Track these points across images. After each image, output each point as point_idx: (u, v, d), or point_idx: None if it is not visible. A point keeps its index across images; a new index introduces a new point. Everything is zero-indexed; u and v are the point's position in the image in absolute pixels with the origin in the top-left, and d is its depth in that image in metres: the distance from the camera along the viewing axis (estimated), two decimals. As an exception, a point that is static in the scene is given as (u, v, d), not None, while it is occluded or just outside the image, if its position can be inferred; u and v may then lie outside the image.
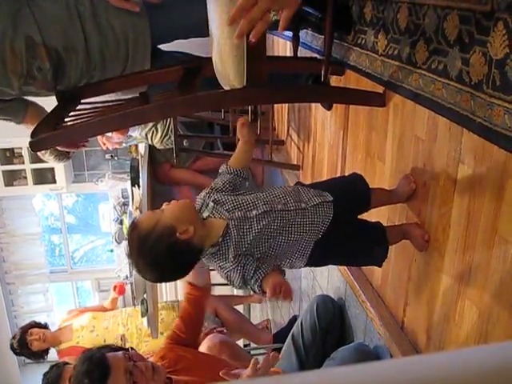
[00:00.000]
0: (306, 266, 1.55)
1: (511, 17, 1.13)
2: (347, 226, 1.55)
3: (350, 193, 1.62)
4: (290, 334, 2.39)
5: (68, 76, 1.95)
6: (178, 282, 5.24)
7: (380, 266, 1.66)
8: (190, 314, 1.92)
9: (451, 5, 1.35)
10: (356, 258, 1.66)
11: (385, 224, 1.68)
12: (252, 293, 4.44)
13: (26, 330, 3.82)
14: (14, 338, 3.81)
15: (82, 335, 3.87)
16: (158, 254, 1.33)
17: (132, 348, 1.79)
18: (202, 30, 1.81)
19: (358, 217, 1.65)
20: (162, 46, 2.22)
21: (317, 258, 1.53)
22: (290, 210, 1.46)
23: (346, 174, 1.81)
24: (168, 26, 2.09)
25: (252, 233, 1.40)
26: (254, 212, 1.42)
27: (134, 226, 1.37)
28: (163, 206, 1.40)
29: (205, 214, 1.44)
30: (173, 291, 5.25)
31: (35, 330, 3.82)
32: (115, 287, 4.41)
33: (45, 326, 3.95)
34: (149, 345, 3.83)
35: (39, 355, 3.87)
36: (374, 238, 1.61)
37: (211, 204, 1.44)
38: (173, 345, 1.91)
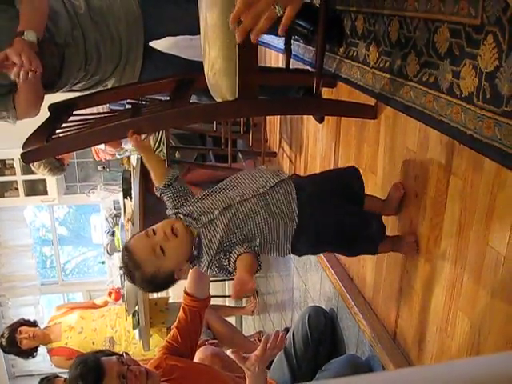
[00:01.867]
0: (294, 253, 1.55)
1: (501, 30, 1.15)
2: (331, 207, 1.54)
3: (341, 180, 1.64)
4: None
5: (67, 71, 1.95)
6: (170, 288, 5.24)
7: (375, 252, 1.64)
8: (187, 324, 1.90)
9: (441, 18, 1.36)
10: (347, 238, 1.58)
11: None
12: (244, 304, 4.43)
13: (15, 328, 3.76)
14: (2, 336, 3.74)
15: (70, 336, 3.83)
16: (156, 286, 1.52)
17: (126, 353, 1.79)
18: (194, 29, 1.83)
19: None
20: (155, 45, 2.22)
21: (303, 241, 1.51)
22: (248, 198, 1.46)
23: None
24: (161, 22, 2.11)
25: (218, 232, 1.42)
26: (216, 212, 1.44)
27: (136, 264, 1.43)
28: (158, 231, 1.43)
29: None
30: (164, 294, 5.23)
31: (24, 328, 3.76)
32: (110, 293, 4.34)
33: (34, 324, 3.89)
34: (137, 347, 3.80)
35: (28, 353, 3.82)
36: (368, 221, 1.58)
37: (182, 217, 1.48)
38: (167, 355, 1.90)
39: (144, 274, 1.42)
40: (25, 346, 3.73)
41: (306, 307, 2.54)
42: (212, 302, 4.38)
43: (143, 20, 2.05)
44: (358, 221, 1.57)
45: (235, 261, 1.38)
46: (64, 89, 2.07)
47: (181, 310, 1.91)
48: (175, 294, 5.05)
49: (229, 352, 1.57)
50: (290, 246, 1.50)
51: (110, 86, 2.15)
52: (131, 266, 1.43)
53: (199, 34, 1.78)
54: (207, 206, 1.47)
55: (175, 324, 1.92)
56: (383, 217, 1.66)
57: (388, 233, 1.74)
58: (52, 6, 1.88)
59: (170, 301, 4.21)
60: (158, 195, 1.57)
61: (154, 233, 1.43)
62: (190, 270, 1.87)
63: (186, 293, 1.87)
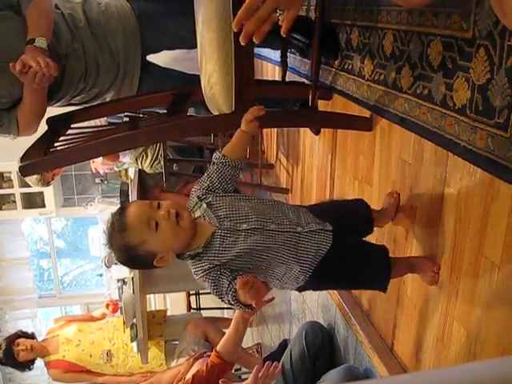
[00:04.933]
0: (299, 290, 1.49)
1: (492, 43, 1.17)
2: (346, 252, 1.46)
3: (352, 216, 1.56)
4: (280, 362, 2.36)
5: (68, 83, 1.97)
6: (168, 299, 5.23)
7: (385, 290, 1.51)
8: (202, 378, 1.89)
9: (434, 32, 1.38)
10: (357, 282, 1.56)
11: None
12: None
13: (12, 340, 3.72)
14: None
15: (67, 349, 3.80)
16: (131, 261, 1.41)
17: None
18: (191, 42, 1.85)
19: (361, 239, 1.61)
20: (152, 59, 2.24)
21: (312, 283, 1.44)
22: (283, 231, 1.36)
23: (351, 198, 1.80)
24: (158, 35, 2.13)
25: (237, 247, 1.33)
26: (244, 226, 1.35)
27: (123, 226, 1.31)
28: (163, 207, 1.32)
29: (196, 214, 1.39)
30: (162, 307, 5.24)
31: (22, 340, 3.72)
32: (108, 305, 4.31)
33: (31, 336, 3.85)
34: (135, 360, 3.78)
35: (25, 365, 3.78)
36: (377, 261, 1.51)
37: (204, 206, 1.38)
38: None
39: (125, 240, 1.31)
40: (22, 358, 3.69)
41: (303, 323, 2.54)
42: (210, 314, 4.39)
43: (140, 33, 2.08)
44: (367, 266, 1.50)
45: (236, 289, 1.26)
46: (63, 101, 2.09)
47: (204, 364, 1.90)
48: (173, 307, 5.06)
49: (221, 381, 1.52)
50: (294, 287, 1.45)
51: (108, 100, 2.17)
52: (117, 226, 1.32)
53: (196, 47, 1.80)
54: (238, 212, 1.37)
55: (193, 374, 1.91)
56: (377, 229, 1.67)
57: (384, 242, 1.74)
58: (53, 19, 1.90)
59: (169, 313, 4.21)
60: (213, 159, 1.45)
61: (159, 206, 1.33)
62: (228, 330, 1.88)
63: (216, 350, 1.86)
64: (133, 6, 2.08)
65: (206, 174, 1.44)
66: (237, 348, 1.86)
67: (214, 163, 1.45)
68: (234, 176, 1.45)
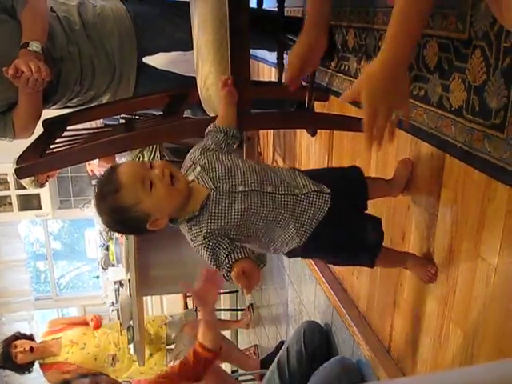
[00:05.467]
0: (289, 255, 1.45)
1: (488, 45, 1.16)
2: (342, 216, 1.42)
3: (347, 180, 1.53)
4: (276, 359, 2.36)
5: (63, 86, 1.97)
6: (165, 300, 5.23)
7: (372, 265, 1.48)
8: (189, 369, 1.85)
9: (430, 33, 1.38)
10: (348, 252, 1.47)
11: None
12: (239, 318, 4.40)
13: (10, 342, 3.63)
14: None
15: (71, 351, 3.74)
16: (123, 225, 1.34)
17: (103, 373, 1.79)
18: (188, 45, 1.85)
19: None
20: (149, 61, 2.24)
21: (303, 249, 1.39)
22: (280, 193, 1.34)
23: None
24: (154, 37, 2.13)
25: (232, 210, 1.30)
26: (241, 188, 1.32)
27: (116, 185, 1.26)
28: (156, 166, 1.29)
29: (190, 178, 1.36)
30: (159, 308, 5.23)
31: (20, 341, 3.64)
32: (92, 319, 4.21)
33: (30, 337, 3.77)
34: (137, 365, 3.77)
35: (24, 368, 3.68)
36: (371, 229, 1.46)
37: (198, 168, 1.36)
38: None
39: (119, 201, 1.25)
40: (20, 360, 3.59)
41: (301, 322, 2.54)
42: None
43: (135, 35, 2.07)
44: (358, 233, 1.46)
45: (234, 261, 1.24)
46: (59, 103, 2.08)
47: (189, 355, 1.89)
48: (170, 308, 5.06)
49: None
50: (286, 250, 1.41)
51: (104, 102, 2.16)
52: (109, 188, 1.27)
53: (192, 49, 1.80)
54: (234, 174, 1.34)
55: (178, 366, 1.89)
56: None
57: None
58: (48, 22, 1.89)
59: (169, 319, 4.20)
60: (207, 130, 1.47)
61: (152, 167, 1.29)
62: (203, 320, 1.85)
63: (199, 342, 1.86)
64: (128, 8, 2.08)
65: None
66: (216, 334, 1.86)
67: (206, 134, 1.47)
68: (228, 143, 1.46)
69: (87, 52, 1.99)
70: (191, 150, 1.44)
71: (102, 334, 3.93)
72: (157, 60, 2.28)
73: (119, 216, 1.28)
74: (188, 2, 1.81)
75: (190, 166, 1.39)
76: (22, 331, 3.92)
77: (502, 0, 0.83)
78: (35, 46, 1.74)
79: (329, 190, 1.39)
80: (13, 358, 3.60)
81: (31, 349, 3.63)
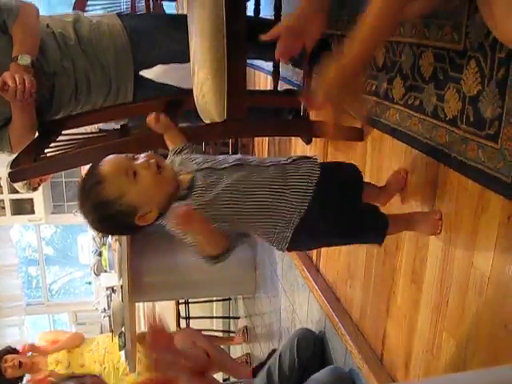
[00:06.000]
0: (290, 247, 1.32)
1: (483, 56, 1.17)
2: (340, 186, 1.36)
3: (342, 168, 1.49)
4: (267, 366, 2.30)
5: (58, 100, 1.98)
6: (157, 307, 5.20)
7: (381, 240, 1.41)
8: None
9: (426, 43, 1.39)
10: (355, 228, 1.38)
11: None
12: (234, 335, 4.38)
13: (0, 356, 3.65)
14: None
15: (56, 370, 3.75)
16: (109, 222, 1.24)
17: (94, 375, 1.77)
18: (184, 57, 1.86)
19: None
20: (146, 74, 2.25)
21: (304, 236, 1.31)
22: (266, 165, 1.29)
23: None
24: (150, 51, 2.14)
25: (221, 184, 1.23)
26: (225, 165, 1.28)
27: (98, 178, 1.19)
28: (141, 156, 1.23)
29: (175, 170, 1.31)
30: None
31: (9, 356, 3.64)
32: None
33: (18, 351, 3.78)
34: (125, 383, 3.75)
35: (13, 382, 3.68)
36: (372, 211, 1.41)
37: (179, 158, 1.33)
38: None
39: (101, 194, 1.18)
40: (10, 375, 3.61)
41: (295, 329, 2.51)
42: (199, 323, 4.34)
43: (132, 50, 2.09)
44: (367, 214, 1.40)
45: None
46: (56, 118, 2.09)
47: None
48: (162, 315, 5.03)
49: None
50: (289, 234, 1.29)
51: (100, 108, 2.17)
52: (91, 182, 1.20)
53: (189, 61, 1.81)
54: (216, 159, 1.30)
55: None
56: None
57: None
58: (41, 37, 1.90)
59: None
60: (169, 160, 1.40)
61: (135, 158, 1.22)
62: None
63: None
64: (125, 23, 2.10)
65: None
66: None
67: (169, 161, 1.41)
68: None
69: (82, 67, 2.01)
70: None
71: (87, 351, 3.89)
72: (153, 73, 2.29)
73: (104, 211, 1.20)
74: (184, 14, 1.82)
75: (172, 160, 1.36)
76: (13, 337, 3.91)
77: (495, 12, 0.83)
78: (24, 59, 1.76)
79: (316, 157, 1.37)
80: (2, 373, 3.59)
81: (20, 364, 3.62)
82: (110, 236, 3.99)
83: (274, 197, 1.26)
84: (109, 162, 1.21)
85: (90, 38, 2.02)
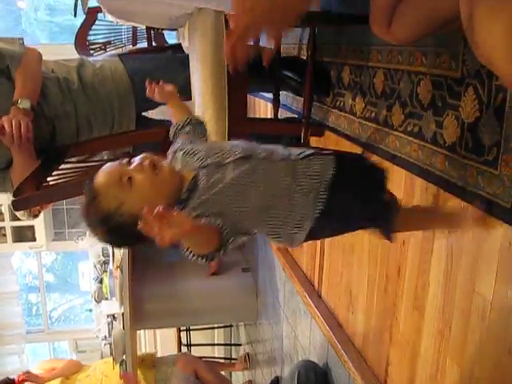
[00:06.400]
0: (311, 235, 1.20)
1: (480, 83, 1.19)
2: (353, 176, 1.23)
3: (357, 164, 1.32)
4: None
5: (59, 142, 2.00)
6: (158, 335, 5.17)
7: (390, 231, 1.28)
8: None
9: (424, 71, 1.41)
10: (367, 213, 1.25)
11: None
12: (233, 356, 4.34)
13: None
14: None
15: None
16: (116, 235, 1.16)
17: None
18: (186, 94, 1.88)
19: None
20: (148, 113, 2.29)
21: (326, 227, 1.22)
22: (275, 160, 1.18)
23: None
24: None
25: (224, 180, 1.14)
26: (230, 159, 1.17)
27: (93, 193, 1.14)
28: (135, 162, 1.15)
29: (177, 167, 1.22)
30: (152, 343, 5.16)
31: None
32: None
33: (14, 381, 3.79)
34: None
35: None
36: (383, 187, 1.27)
37: (180, 155, 1.24)
38: None
39: (100, 209, 1.12)
40: None
41: (297, 362, 2.48)
42: (200, 350, 4.32)
43: (133, 92, 2.12)
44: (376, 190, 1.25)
45: None
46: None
47: None
48: (163, 342, 5.00)
49: None
50: (302, 238, 1.19)
51: (106, 158, 2.20)
52: (88, 198, 1.14)
53: (190, 99, 1.83)
54: (221, 150, 1.19)
55: None
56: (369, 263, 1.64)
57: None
58: (43, 81, 1.94)
59: (159, 355, 4.13)
60: (172, 135, 1.35)
61: (130, 163, 1.15)
62: None
63: None
64: (126, 66, 2.13)
65: None
66: None
67: (173, 138, 1.37)
68: (197, 132, 1.35)
69: (84, 111, 2.04)
70: (171, 148, 1.32)
71: (84, 377, 3.86)
72: (155, 112, 2.33)
73: (107, 224, 1.13)
74: (186, 55, 1.85)
75: (172, 158, 1.27)
76: (12, 365, 3.90)
77: (477, 33, 0.80)
78: (24, 102, 1.80)
79: (331, 151, 1.24)
80: None
81: None
82: (110, 263, 3.99)
83: (280, 195, 1.16)
84: (101, 173, 1.16)
85: (93, 82, 2.06)
